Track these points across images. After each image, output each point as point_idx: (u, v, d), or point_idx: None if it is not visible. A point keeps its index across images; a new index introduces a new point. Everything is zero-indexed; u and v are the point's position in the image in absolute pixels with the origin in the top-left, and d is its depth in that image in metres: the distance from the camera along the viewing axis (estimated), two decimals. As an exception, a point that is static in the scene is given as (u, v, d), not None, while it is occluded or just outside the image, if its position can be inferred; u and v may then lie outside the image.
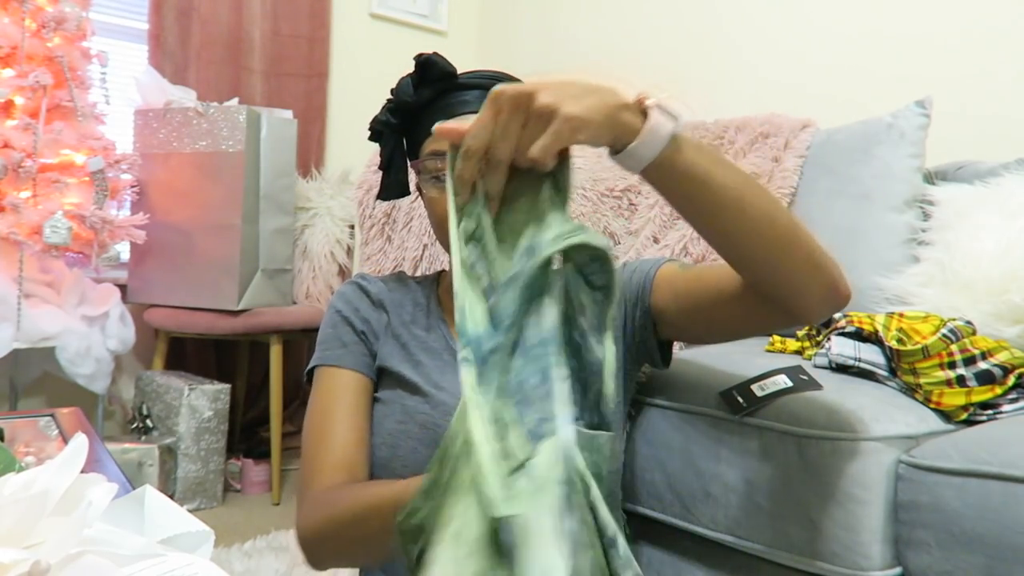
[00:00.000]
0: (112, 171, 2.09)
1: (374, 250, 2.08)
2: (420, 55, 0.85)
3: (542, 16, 3.00)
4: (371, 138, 0.91)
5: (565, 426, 0.52)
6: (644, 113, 0.65)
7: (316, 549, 0.79)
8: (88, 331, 2.06)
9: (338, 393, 0.88)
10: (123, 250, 2.37)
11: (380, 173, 0.94)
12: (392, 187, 0.93)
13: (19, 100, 1.97)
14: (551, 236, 0.57)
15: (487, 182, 0.61)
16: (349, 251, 2.59)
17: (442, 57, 0.85)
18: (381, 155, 0.91)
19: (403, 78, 0.88)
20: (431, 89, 0.86)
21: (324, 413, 0.87)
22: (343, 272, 2.58)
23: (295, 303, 2.49)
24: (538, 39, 3.00)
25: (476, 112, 0.77)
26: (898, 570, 0.92)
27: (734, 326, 0.87)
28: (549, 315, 0.56)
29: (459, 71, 0.87)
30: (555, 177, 0.62)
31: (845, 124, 1.61)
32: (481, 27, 3.28)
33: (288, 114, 2.45)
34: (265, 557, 1.76)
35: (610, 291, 0.58)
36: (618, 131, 0.64)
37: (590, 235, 0.57)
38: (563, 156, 0.63)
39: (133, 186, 2.24)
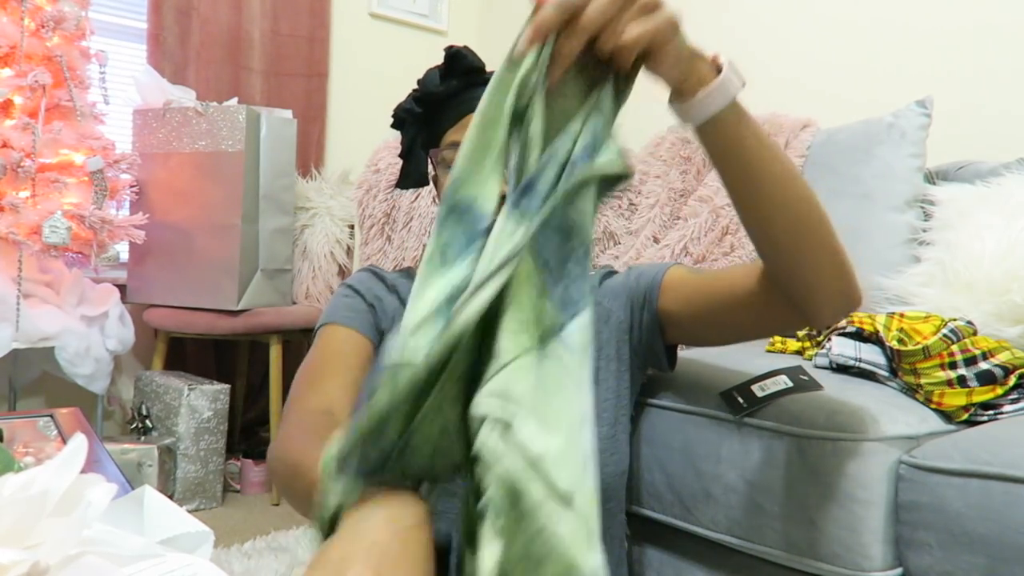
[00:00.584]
0: (111, 171, 2.09)
1: (374, 250, 2.08)
2: (451, 47, 0.87)
3: (542, 16, 3.00)
4: (393, 125, 0.92)
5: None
6: (716, 69, 0.66)
7: (274, 482, 0.79)
8: (87, 331, 2.05)
9: (338, 347, 0.87)
10: (122, 250, 2.37)
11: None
12: (411, 175, 0.95)
13: (18, 100, 1.96)
14: (600, 159, 0.56)
15: (564, 43, 0.57)
16: (349, 251, 2.59)
17: (472, 51, 0.87)
18: (402, 143, 0.93)
19: (431, 69, 0.89)
20: (458, 81, 0.87)
21: (321, 362, 0.86)
22: (343, 272, 2.57)
23: (295, 303, 2.49)
24: (538, 39, 2.99)
25: None
26: (899, 571, 0.92)
27: (745, 328, 0.87)
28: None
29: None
30: (617, 84, 0.60)
31: (846, 124, 1.61)
32: (481, 27, 3.28)
33: (288, 114, 2.45)
34: (264, 557, 1.76)
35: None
36: (691, 72, 0.64)
37: (622, 162, 0.57)
38: (634, 71, 0.61)
39: (132, 186, 2.24)
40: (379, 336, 0.91)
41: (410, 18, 3.09)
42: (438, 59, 0.91)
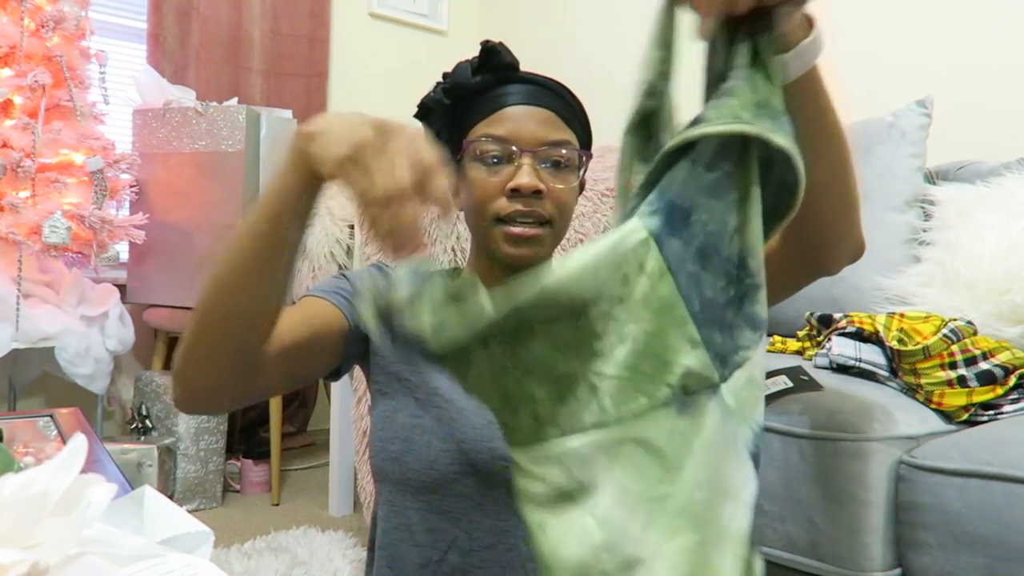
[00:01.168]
0: (111, 171, 2.09)
1: (374, 250, 2.08)
2: (487, 42, 0.87)
3: (542, 16, 3.00)
4: (417, 116, 0.92)
5: None
6: (808, 23, 0.66)
7: (180, 373, 0.69)
8: (87, 331, 2.05)
9: (306, 308, 0.83)
10: (122, 250, 2.37)
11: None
12: None
13: (18, 100, 1.96)
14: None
15: None
16: (349, 251, 2.59)
17: (507, 48, 0.87)
18: (427, 133, 0.92)
19: (461, 63, 0.89)
20: (491, 76, 0.87)
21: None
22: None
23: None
24: (538, 39, 2.99)
25: (529, 104, 0.82)
26: (899, 570, 0.92)
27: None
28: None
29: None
30: (758, 39, 0.61)
31: (846, 123, 1.61)
32: (481, 27, 3.28)
33: (288, 114, 2.45)
34: (265, 557, 1.76)
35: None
36: (801, 22, 0.65)
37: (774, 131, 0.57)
38: (769, 24, 0.62)
39: (132, 186, 2.24)
40: (357, 320, 0.85)
41: (410, 18, 3.09)
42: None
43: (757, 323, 0.58)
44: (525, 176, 0.80)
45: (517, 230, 0.81)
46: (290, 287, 0.68)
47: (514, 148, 0.82)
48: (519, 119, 0.83)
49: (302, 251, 0.66)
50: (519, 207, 0.81)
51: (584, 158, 0.87)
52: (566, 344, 0.55)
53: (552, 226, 0.83)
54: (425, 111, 0.91)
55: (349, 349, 0.85)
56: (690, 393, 0.55)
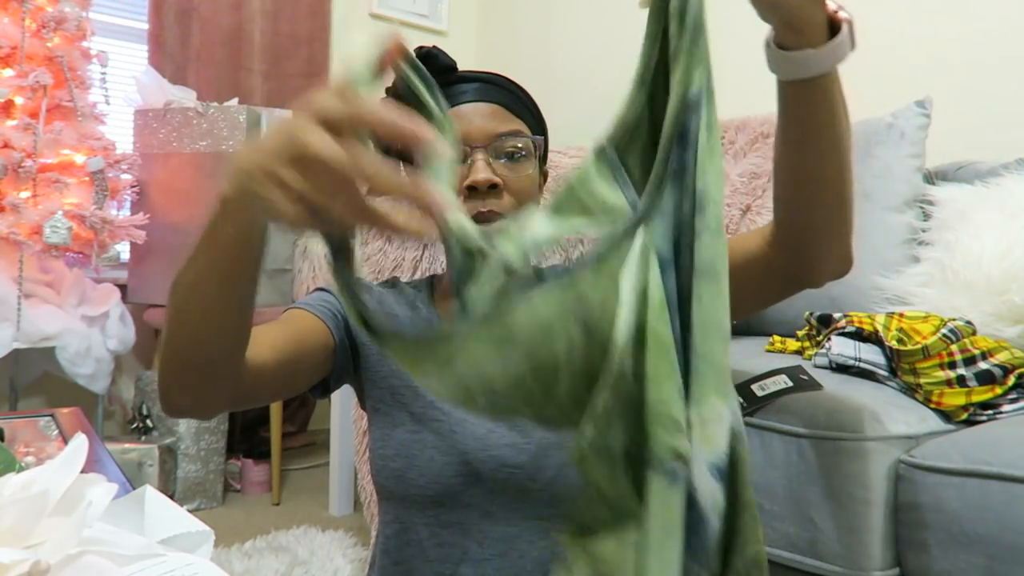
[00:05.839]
0: (112, 171, 2.09)
1: (374, 250, 2.08)
2: (420, 48, 0.84)
3: (542, 16, 3.00)
4: None
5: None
6: (832, 25, 0.61)
7: (161, 386, 0.68)
8: (88, 331, 2.06)
9: (293, 321, 0.82)
10: (123, 250, 2.37)
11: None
12: None
13: (19, 100, 1.96)
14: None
15: None
16: (349, 251, 2.59)
17: (442, 51, 0.85)
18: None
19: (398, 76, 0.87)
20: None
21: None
22: (343, 272, 2.57)
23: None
24: (538, 39, 2.99)
25: (475, 101, 0.79)
26: (898, 570, 0.92)
27: (744, 299, 0.86)
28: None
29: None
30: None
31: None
32: (481, 27, 3.28)
33: (288, 114, 2.45)
34: (265, 557, 1.76)
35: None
36: (806, 19, 0.60)
37: None
38: None
39: (133, 186, 2.24)
40: (343, 335, 0.85)
41: (410, 18, 3.09)
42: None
43: None
44: (480, 172, 0.78)
45: None
46: (254, 296, 0.64)
47: (465, 147, 0.79)
48: (467, 117, 0.81)
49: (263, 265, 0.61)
50: (479, 209, 0.78)
51: (538, 145, 0.85)
52: None
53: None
54: None
55: (336, 362, 0.84)
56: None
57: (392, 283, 0.97)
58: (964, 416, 1.01)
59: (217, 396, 0.69)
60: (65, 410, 1.18)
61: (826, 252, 0.75)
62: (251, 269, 0.60)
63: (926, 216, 1.45)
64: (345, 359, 0.84)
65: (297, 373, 0.80)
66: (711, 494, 0.44)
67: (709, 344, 0.43)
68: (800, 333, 1.31)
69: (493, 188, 0.79)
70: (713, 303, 0.44)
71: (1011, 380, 1.02)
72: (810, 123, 0.68)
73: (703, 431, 0.43)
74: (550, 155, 0.92)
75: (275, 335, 0.76)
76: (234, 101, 2.37)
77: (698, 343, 0.43)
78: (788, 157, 0.72)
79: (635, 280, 0.43)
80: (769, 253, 0.78)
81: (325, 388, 0.87)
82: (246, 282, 0.61)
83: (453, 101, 0.84)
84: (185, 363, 0.65)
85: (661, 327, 0.43)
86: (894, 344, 1.06)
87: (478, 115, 0.81)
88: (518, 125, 0.84)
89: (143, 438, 2.15)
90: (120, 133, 2.37)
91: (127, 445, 2.04)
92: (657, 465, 0.43)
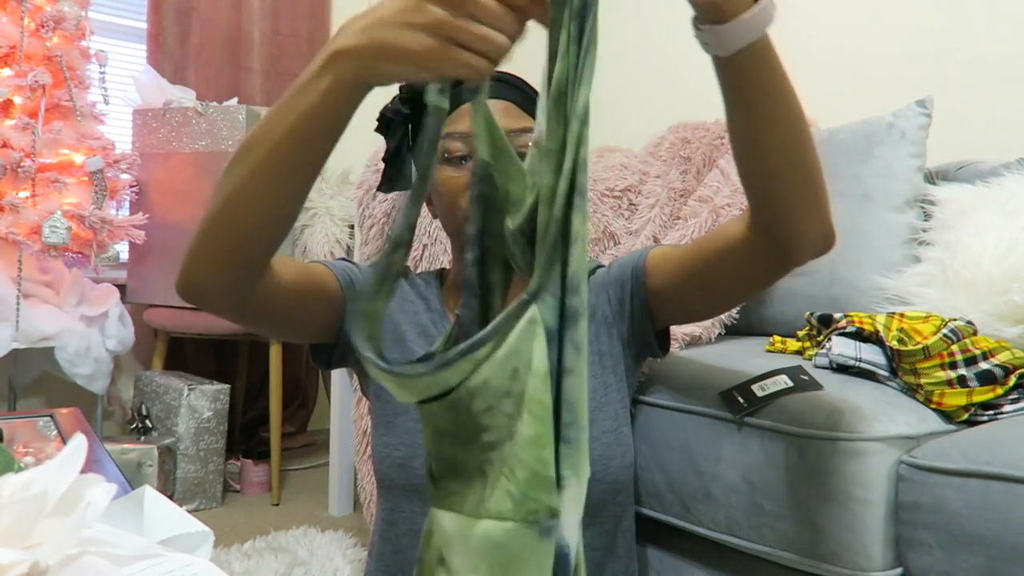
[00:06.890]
0: (111, 171, 2.09)
1: (374, 250, 2.08)
2: None
3: (542, 16, 3.00)
4: (378, 130, 0.91)
5: None
6: None
7: (185, 264, 0.73)
8: (87, 331, 2.05)
9: (315, 269, 0.85)
10: (122, 250, 2.37)
11: (379, 173, 0.94)
12: (395, 178, 0.93)
13: (18, 100, 1.96)
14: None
15: None
16: (349, 251, 2.59)
17: None
18: (388, 146, 0.91)
19: None
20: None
21: None
22: (343, 272, 2.57)
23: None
24: (538, 39, 2.99)
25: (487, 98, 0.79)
26: (899, 571, 0.92)
27: (732, 286, 0.86)
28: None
29: None
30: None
31: (846, 124, 1.61)
32: (481, 27, 3.28)
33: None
34: (264, 557, 1.76)
35: None
36: None
37: None
38: None
39: (132, 186, 2.24)
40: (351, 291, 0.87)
41: (410, 18, 3.09)
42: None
43: None
44: None
45: None
46: (304, 201, 0.67)
47: None
48: None
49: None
50: None
51: None
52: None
53: None
54: (386, 123, 0.90)
55: (343, 336, 0.85)
56: None
57: (404, 273, 0.98)
58: (965, 416, 1.01)
59: (240, 283, 0.72)
60: (64, 410, 1.18)
61: (803, 226, 0.75)
62: (335, 131, 0.62)
63: (927, 216, 1.45)
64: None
65: (305, 306, 0.82)
66: (577, 545, 0.47)
67: (582, 412, 0.47)
68: (800, 333, 1.31)
69: None
70: (583, 377, 0.47)
71: (1012, 380, 1.02)
72: (756, 90, 0.68)
73: (578, 490, 0.47)
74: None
75: (298, 265, 0.79)
76: (233, 101, 2.36)
77: (579, 412, 0.46)
78: (744, 132, 0.72)
79: (524, 350, 0.46)
80: (749, 236, 0.78)
81: (328, 359, 0.88)
82: (325, 144, 0.62)
83: (466, 97, 0.85)
84: (220, 248, 0.68)
85: (544, 396, 0.45)
86: (895, 344, 1.05)
87: (491, 111, 0.82)
88: (529, 122, 0.85)
89: (142, 438, 2.15)
90: (119, 133, 2.37)
91: (126, 445, 2.04)
92: (533, 521, 0.45)
